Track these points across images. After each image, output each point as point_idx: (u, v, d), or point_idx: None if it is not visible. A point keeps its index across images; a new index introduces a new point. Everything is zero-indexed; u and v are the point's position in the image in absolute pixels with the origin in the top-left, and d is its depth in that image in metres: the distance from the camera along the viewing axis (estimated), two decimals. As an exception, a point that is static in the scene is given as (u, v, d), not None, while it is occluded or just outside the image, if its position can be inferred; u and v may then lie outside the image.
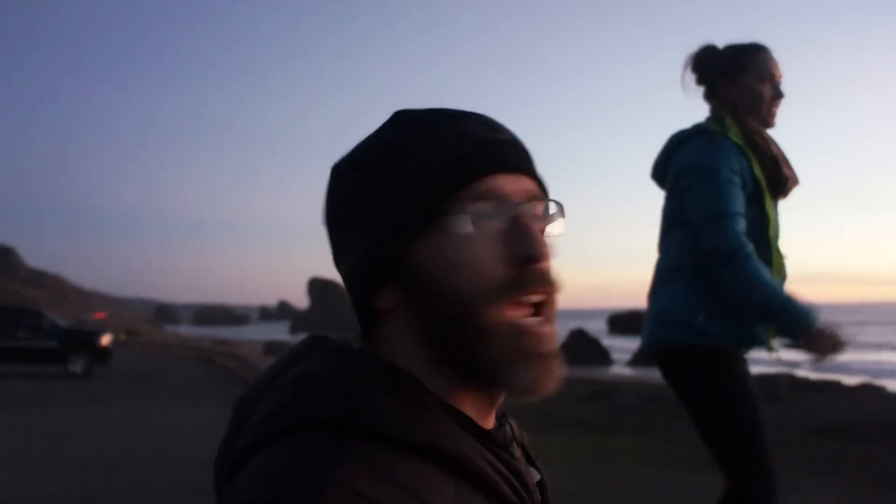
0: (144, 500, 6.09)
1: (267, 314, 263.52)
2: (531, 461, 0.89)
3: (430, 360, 0.78)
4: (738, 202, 2.63)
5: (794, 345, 2.58)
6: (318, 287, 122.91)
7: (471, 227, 0.75)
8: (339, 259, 0.84)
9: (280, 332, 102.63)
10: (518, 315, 0.76)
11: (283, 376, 0.79)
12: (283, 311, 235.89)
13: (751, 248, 2.59)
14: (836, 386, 16.40)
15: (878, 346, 44.46)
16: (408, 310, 0.78)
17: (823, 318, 2.55)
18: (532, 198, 0.80)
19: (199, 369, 23.61)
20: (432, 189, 0.76)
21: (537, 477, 0.87)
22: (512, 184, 0.79)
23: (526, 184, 0.80)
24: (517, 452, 0.85)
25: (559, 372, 0.79)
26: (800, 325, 2.52)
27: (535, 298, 0.77)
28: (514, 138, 0.83)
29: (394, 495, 0.65)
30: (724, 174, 2.63)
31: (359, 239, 0.80)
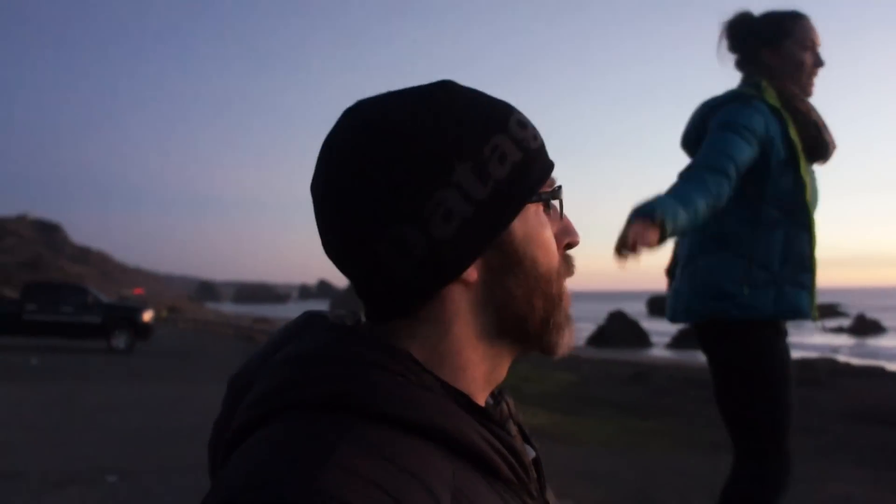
0: (180, 474, 6.18)
1: (307, 293, 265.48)
2: (526, 439, 0.90)
3: (489, 328, 0.81)
4: (739, 153, 2.58)
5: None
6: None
7: (551, 212, 0.84)
8: (417, 222, 0.75)
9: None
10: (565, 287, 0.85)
11: (278, 355, 0.78)
12: (322, 289, 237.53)
13: (709, 179, 2.52)
14: (879, 371, 16.10)
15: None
16: (489, 282, 0.80)
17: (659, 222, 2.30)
18: None
19: (239, 346, 23.87)
20: (537, 173, 0.81)
21: (532, 454, 0.87)
22: None
23: None
24: (513, 430, 0.87)
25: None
26: (631, 215, 2.32)
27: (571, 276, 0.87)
28: None
29: (391, 474, 0.64)
30: (737, 127, 2.60)
31: (458, 209, 0.76)
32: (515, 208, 0.79)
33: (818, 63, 2.75)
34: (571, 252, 0.87)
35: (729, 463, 2.75)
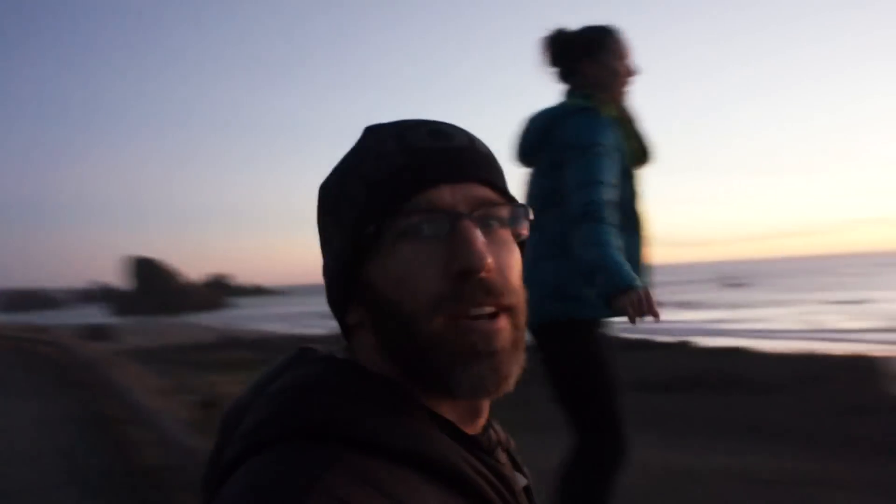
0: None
1: (86, 296, 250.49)
2: (517, 466, 0.89)
3: (395, 371, 0.78)
4: (610, 174, 2.71)
5: (610, 308, 2.56)
6: (142, 267, 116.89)
7: (407, 243, 0.75)
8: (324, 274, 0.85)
9: (103, 316, 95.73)
10: (462, 320, 0.75)
11: (269, 387, 0.79)
12: (103, 292, 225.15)
13: (607, 214, 2.65)
14: (652, 344, 17.58)
15: (686, 306, 47.54)
16: (368, 326, 0.80)
17: (646, 284, 2.61)
18: (481, 205, 0.78)
19: (17, 358, 22.12)
20: (370, 207, 0.77)
21: (524, 482, 0.87)
22: (456, 193, 0.77)
23: (475, 191, 0.79)
24: (502, 457, 0.85)
25: (509, 371, 0.77)
26: (617, 287, 2.54)
27: (484, 311, 0.76)
28: (464, 145, 0.81)
29: (378, 502, 0.64)
30: (600, 149, 2.71)
31: (328, 259, 0.83)
32: (357, 251, 0.78)
33: (633, 72, 2.93)
34: (479, 277, 0.75)
35: (558, 443, 2.84)
